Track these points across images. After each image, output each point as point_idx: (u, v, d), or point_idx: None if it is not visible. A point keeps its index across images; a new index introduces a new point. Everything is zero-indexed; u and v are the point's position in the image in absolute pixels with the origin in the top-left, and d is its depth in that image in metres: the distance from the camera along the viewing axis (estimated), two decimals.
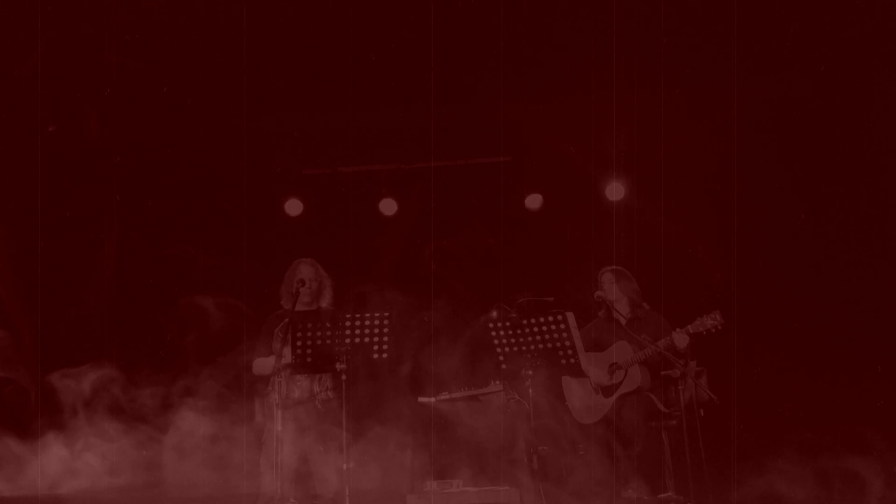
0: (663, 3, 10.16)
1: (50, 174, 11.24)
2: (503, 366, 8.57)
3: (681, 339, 8.94)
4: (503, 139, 11.34)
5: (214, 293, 10.19)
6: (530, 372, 8.46)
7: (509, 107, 10.75)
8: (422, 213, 11.27)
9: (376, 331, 8.49)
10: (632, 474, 8.95)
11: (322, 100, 10.88)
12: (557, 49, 10.43)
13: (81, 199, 11.52)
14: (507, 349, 8.52)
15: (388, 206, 11.70)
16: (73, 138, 11.34)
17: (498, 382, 8.97)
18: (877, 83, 10.21)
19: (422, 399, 9.16)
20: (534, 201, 11.51)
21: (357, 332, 8.48)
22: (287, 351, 8.62)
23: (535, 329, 8.45)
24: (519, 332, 8.48)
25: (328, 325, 8.48)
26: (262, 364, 9.01)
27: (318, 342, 8.47)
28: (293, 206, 11.74)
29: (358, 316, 8.51)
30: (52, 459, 9.99)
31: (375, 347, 8.50)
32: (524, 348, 8.48)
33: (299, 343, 8.47)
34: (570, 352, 8.44)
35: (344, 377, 8.52)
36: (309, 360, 8.50)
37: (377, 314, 8.52)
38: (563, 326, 8.40)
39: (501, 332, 8.52)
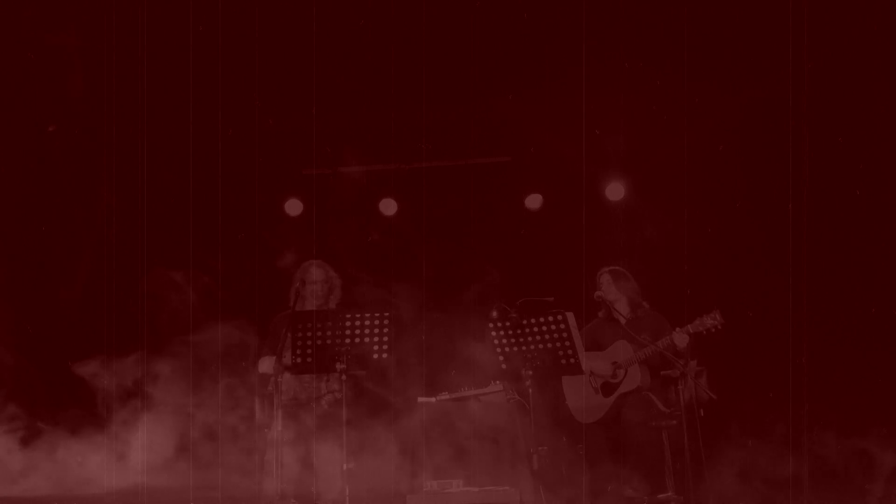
0: (663, 3, 10.17)
1: (50, 174, 11.27)
2: (503, 366, 8.56)
3: (681, 338, 8.94)
4: (503, 139, 11.36)
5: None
6: (530, 372, 8.45)
7: (509, 106, 10.76)
8: (422, 213, 11.29)
9: (376, 331, 8.48)
10: (632, 474, 8.95)
11: (322, 100, 10.88)
12: (558, 49, 10.43)
13: (80, 198, 11.54)
14: (507, 349, 8.51)
15: (388, 206, 11.70)
16: (73, 139, 11.36)
17: (498, 382, 8.96)
18: (876, 83, 10.21)
19: (422, 399, 9.15)
20: (534, 201, 11.51)
21: (357, 332, 8.47)
22: (288, 352, 8.63)
23: (535, 329, 8.44)
24: (519, 332, 8.47)
25: (328, 324, 8.47)
26: (267, 363, 9.01)
27: (318, 342, 8.47)
28: (293, 206, 11.75)
29: (358, 316, 8.50)
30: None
31: (375, 347, 8.49)
32: (524, 348, 8.47)
33: (299, 343, 8.46)
34: (570, 352, 8.43)
35: (344, 377, 8.51)
36: (309, 360, 8.49)
37: (377, 314, 8.51)
38: (563, 326, 8.39)
39: (501, 332, 8.51)
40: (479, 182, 11.36)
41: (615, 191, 11.30)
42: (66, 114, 11.19)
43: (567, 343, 8.42)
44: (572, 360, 8.46)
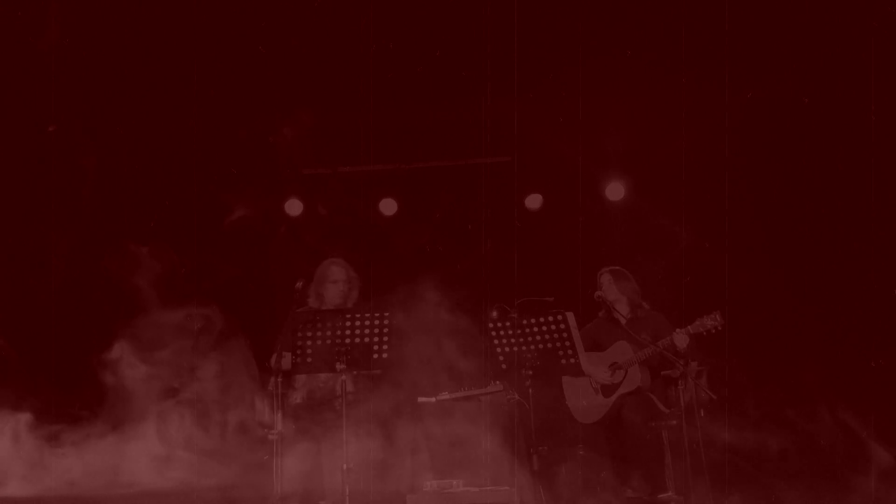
0: (664, 3, 10.17)
1: (50, 175, 11.26)
2: (503, 366, 8.56)
3: (681, 339, 8.93)
4: (503, 139, 11.35)
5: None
6: (530, 372, 8.45)
7: (510, 107, 10.75)
8: (422, 213, 11.29)
9: (376, 331, 8.49)
10: (632, 474, 8.95)
11: (322, 100, 10.88)
12: (558, 49, 10.43)
13: (80, 198, 11.53)
14: (507, 349, 8.51)
15: (388, 206, 11.70)
16: (73, 139, 11.35)
17: (498, 382, 8.95)
18: (876, 83, 10.21)
19: (422, 399, 9.14)
20: (534, 201, 11.51)
21: (357, 332, 8.47)
22: (288, 353, 8.63)
23: (535, 329, 8.44)
24: (519, 332, 8.47)
25: (328, 325, 8.47)
26: (287, 360, 8.98)
27: (318, 342, 8.47)
28: (293, 206, 11.74)
29: (358, 316, 8.50)
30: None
31: (375, 347, 8.49)
32: (524, 348, 8.47)
33: (299, 343, 8.46)
34: (570, 352, 8.43)
35: (344, 377, 8.51)
36: (309, 360, 8.49)
37: (377, 314, 8.51)
38: (563, 326, 8.39)
39: (501, 332, 8.51)
40: (479, 182, 11.36)
41: (615, 191, 11.30)
42: (66, 114, 11.18)
43: (567, 343, 8.42)
44: (572, 360, 8.45)
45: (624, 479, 8.99)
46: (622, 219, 11.19)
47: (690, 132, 10.51)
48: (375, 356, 8.49)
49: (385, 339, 8.48)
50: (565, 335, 8.40)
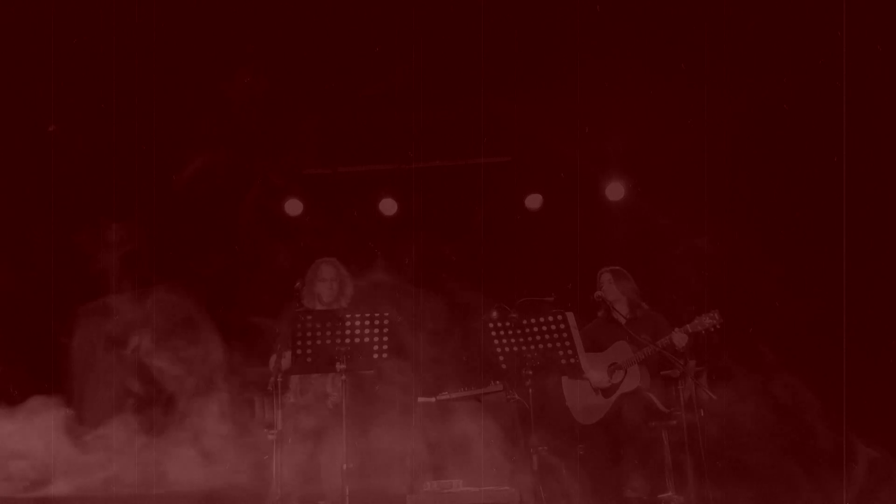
0: (664, 3, 10.17)
1: (50, 175, 11.25)
2: (503, 366, 8.56)
3: (680, 338, 8.94)
4: (503, 139, 11.35)
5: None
6: (530, 372, 8.45)
7: (510, 107, 10.76)
8: (422, 214, 11.29)
9: (376, 331, 8.49)
10: (632, 474, 8.95)
11: (322, 100, 10.88)
12: (557, 49, 10.43)
13: (81, 197, 11.54)
14: (507, 349, 8.51)
15: (388, 206, 11.70)
16: (72, 138, 11.36)
17: (498, 382, 8.95)
18: (875, 83, 10.21)
19: (422, 399, 9.14)
20: (534, 201, 11.51)
21: (357, 332, 8.47)
22: (288, 352, 8.63)
23: (535, 329, 8.44)
24: (519, 332, 8.47)
25: (328, 325, 8.47)
26: (286, 359, 8.99)
27: (318, 342, 8.47)
28: (293, 206, 11.74)
29: (358, 316, 8.50)
30: None
31: (375, 347, 8.49)
32: (524, 348, 8.47)
33: (299, 343, 8.46)
34: (570, 352, 8.43)
35: (343, 377, 8.51)
36: (309, 360, 8.49)
37: (377, 314, 8.51)
38: (563, 326, 8.39)
39: (501, 332, 8.51)
40: (479, 182, 11.36)
41: (615, 191, 11.30)
42: (67, 113, 11.18)
43: (567, 343, 8.42)
44: (572, 360, 8.46)
45: (624, 479, 8.99)
46: (622, 219, 11.19)
47: (690, 132, 10.51)
48: (375, 356, 8.50)
49: (385, 339, 8.49)
50: (565, 335, 8.41)
